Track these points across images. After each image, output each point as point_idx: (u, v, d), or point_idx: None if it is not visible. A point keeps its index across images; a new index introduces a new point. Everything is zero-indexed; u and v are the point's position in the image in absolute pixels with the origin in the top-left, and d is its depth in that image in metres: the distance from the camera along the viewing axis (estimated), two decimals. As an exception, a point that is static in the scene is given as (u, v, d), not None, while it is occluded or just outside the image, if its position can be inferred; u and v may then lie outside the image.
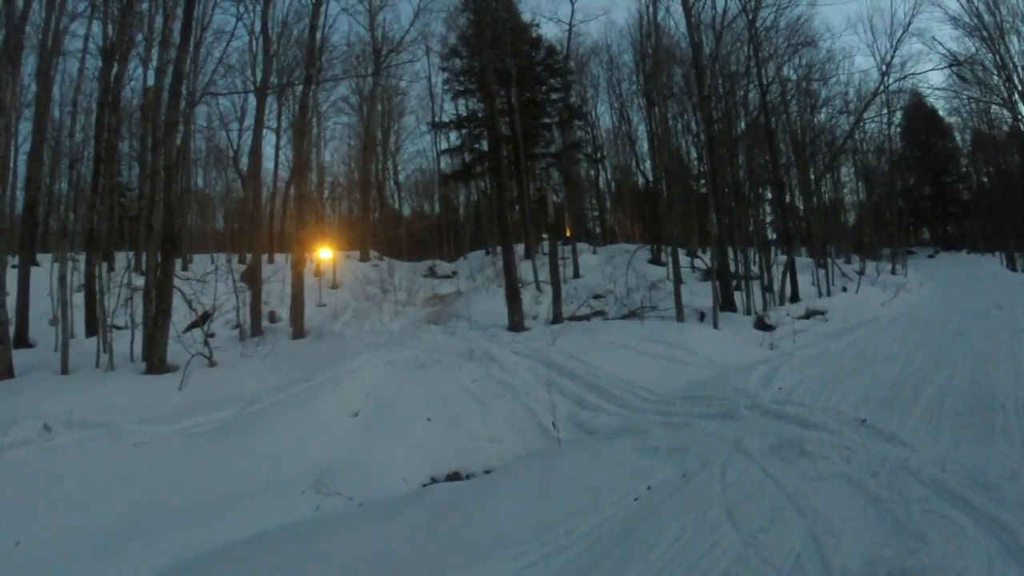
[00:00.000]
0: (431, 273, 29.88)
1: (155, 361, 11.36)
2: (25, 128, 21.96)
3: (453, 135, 35.16)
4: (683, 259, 21.78)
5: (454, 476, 8.49)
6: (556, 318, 18.17)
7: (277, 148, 32.14)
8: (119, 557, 5.53)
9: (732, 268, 22.00)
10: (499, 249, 23.13)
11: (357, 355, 12.95)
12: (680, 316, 17.49)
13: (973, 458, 5.48)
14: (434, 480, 8.26)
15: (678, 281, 18.21)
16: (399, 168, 42.75)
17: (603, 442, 8.24)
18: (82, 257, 15.96)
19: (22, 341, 14.28)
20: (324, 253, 27.02)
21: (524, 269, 24.31)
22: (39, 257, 19.63)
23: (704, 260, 24.89)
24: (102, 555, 5.55)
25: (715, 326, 16.42)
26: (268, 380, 11.05)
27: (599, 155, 40.84)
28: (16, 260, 16.21)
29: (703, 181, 27.99)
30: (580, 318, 18.99)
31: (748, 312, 19.42)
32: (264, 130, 20.65)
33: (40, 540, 5.69)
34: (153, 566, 5.38)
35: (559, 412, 9.95)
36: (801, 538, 4.49)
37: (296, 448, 8.26)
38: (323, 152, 37.52)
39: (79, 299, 15.38)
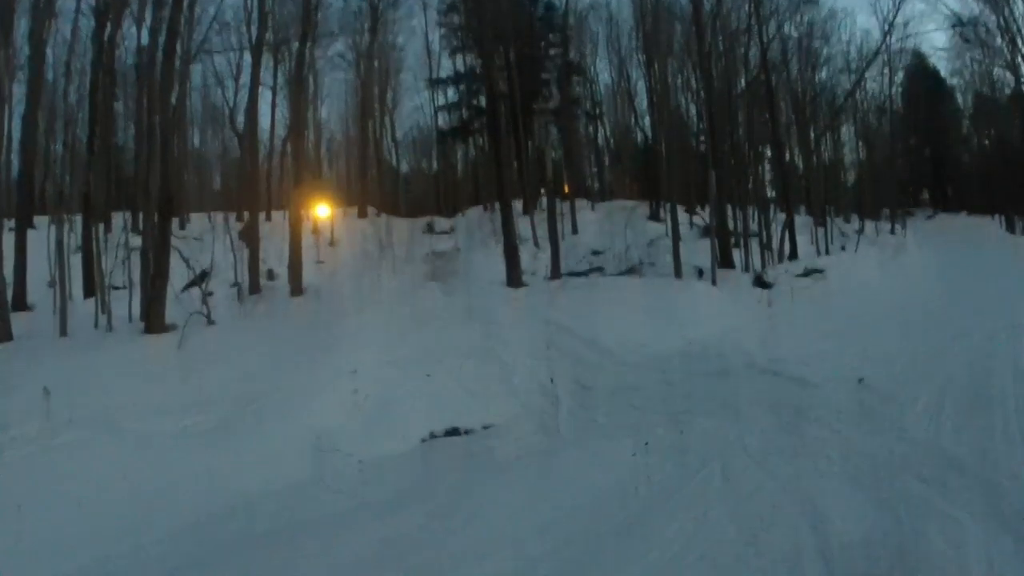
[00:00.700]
0: (429, 230, 29.75)
1: (153, 321, 11.37)
2: (19, 91, 21.61)
3: (451, 91, 34.63)
4: (682, 216, 21.65)
5: (453, 432, 8.55)
6: (554, 275, 18.11)
7: (273, 106, 31.56)
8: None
9: (731, 226, 21.92)
10: (497, 206, 22.98)
11: (355, 313, 12.95)
12: (678, 273, 17.45)
13: (973, 433, 5.50)
14: (433, 436, 8.34)
15: (676, 238, 18.15)
16: (396, 125, 42.22)
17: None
18: (79, 219, 15.86)
19: (21, 304, 14.26)
20: (322, 211, 26.85)
21: (522, 226, 24.10)
22: (36, 220, 19.48)
23: (703, 217, 24.78)
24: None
25: (713, 283, 16.38)
26: (267, 339, 11.06)
27: (598, 112, 40.26)
28: (13, 224, 16.10)
29: (702, 139, 27.71)
30: (578, 274, 18.93)
31: (747, 270, 19.38)
32: (260, 87, 20.32)
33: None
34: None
35: (557, 369, 10.00)
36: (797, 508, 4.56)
37: (296, 407, 8.32)
38: (320, 109, 37.00)
39: (77, 261, 15.34)
